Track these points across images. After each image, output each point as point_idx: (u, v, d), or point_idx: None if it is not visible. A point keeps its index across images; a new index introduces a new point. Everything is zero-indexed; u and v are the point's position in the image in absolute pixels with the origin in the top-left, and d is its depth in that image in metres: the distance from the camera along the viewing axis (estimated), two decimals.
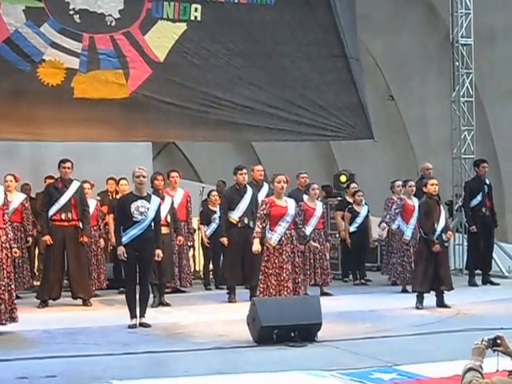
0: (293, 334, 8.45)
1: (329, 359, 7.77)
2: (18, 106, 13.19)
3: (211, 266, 14.17)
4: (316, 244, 11.82)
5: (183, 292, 13.08)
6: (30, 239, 12.75)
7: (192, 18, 14.01)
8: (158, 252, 9.85)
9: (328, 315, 9.01)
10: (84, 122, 13.49)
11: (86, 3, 13.58)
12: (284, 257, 10.26)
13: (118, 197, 13.29)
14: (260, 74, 14.35)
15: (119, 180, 13.72)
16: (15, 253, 9.77)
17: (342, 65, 14.85)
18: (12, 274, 9.51)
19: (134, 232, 9.64)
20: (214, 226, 13.79)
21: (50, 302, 11.76)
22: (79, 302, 11.86)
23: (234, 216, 12.13)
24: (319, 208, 12.82)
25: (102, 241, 13.16)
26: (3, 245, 9.29)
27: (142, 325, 9.72)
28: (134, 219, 9.64)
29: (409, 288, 12.59)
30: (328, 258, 13.05)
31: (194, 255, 14.76)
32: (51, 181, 13.38)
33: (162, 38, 13.85)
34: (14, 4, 13.32)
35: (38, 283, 12.83)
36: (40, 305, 11.65)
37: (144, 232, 9.68)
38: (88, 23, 13.61)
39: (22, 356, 8.09)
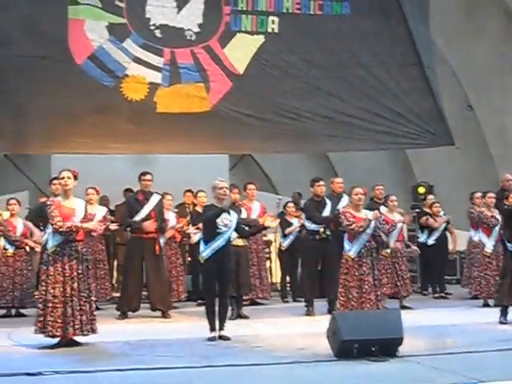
0: (373, 349, 8.35)
1: (411, 375, 7.67)
2: (102, 121, 13.40)
3: (288, 278, 14.15)
4: (414, 247, 11.72)
5: (260, 304, 13.07)
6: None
7: (269, 30, 14.08)
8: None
9: (408, 329, 8.87)
10: (166, 136, 13.64)
11: (166, 18, 13.74)
12: (364, 269, 10.21)
13: (196, 209, 13.38)
14: (338, 84, 14.33)
15: (197, 192, 13.81)
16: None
17: (418, 73, 14.74)
18: (92, 286, 9.66)
19: (216, 244, 9.69)
20: (291, 237, 13.77)
21: (130, 313, 11.89)
22: (158, 313, 11.95)
23: (314, 228, 12.09)
24: (398, 220, 12.73)
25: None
26: (83, 257, 9.44)
27: (221, 337, 9.74)
28: (219, 230, 9.68)
29: (491, 302, 12.38)
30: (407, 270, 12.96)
31: (270, 267, 14.77)
32: (130, 193, 13.61)
33: (240, 51, 13.94)
34: (98, 20, 13.54)
35: (118, 295, 13.01)
36: (120, 316, 11.79)
37: (225, 244, 9.73)
38: (169, 38, 13.78)
39: (104, 368, 8.17)
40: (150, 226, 11.77)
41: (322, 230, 12.07)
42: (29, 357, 9.01)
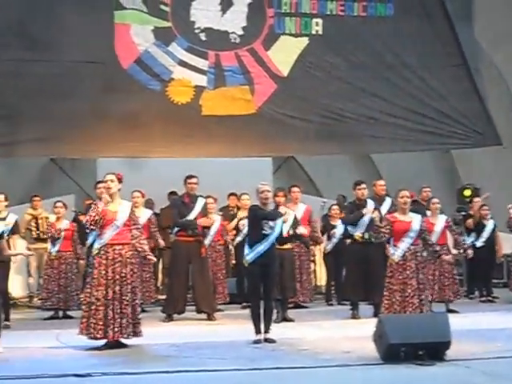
0: (421, 353, 8.28)
1: (460, 379, 7.60)
2: (147, 125, 13.49)
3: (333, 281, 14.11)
4: (448, 257, 11.61)
5: (305, 307, 13.05)
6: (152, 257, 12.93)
7: (313, 32, 14.10)
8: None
9: (455, 333, 8.77)
10: (212, 139, 13.71)
11: (210, 21, 13.83)
12: (408, 272, 10.14)
13: (239, 213, 13.43)
14: (382, 85, 14.31)
15: (241, 195, 13.83)
16: (151, 260, 9.95)
17: (463, 74, 14.68)
18: (137, 289, 9.69)
19: (261, 247, 9.67)
20: (334, 240, 13.73)
21: (175, 316, 11.93)
22: (204, 316, 11.98)
23: (357, 232, 12.04)
24: (439, 223, 12.62)
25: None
26: (128, 260, 9.48)
27: (267, 340, 9.72)
28: (264, 232, 9.68)
29: None
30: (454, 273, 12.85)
31: (315, 270, 14.73)
32: (174, 197, 13.66)
33: (285, 53, 13.99)
34: (143, 25, 13.64)
35: (163, 297, 13.08)
36: (166, 319, 11.84)
37: (270, 247, 9.72)
38: (213, 41, 13.88)
39: (152, 370, 8.19)
40: (206, 221, 11.83)
41: (358, 233, 12.00)
42: (77, 358, 9.08)
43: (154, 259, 10.42)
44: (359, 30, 14.26)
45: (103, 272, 9.36)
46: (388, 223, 10.27)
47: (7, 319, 11.02)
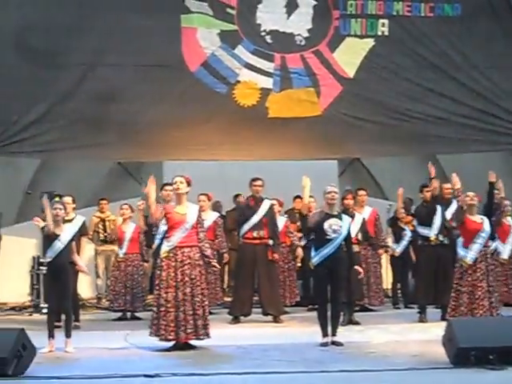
0: (491, 357, 8.16)
1: None
2: (214, 128, 13.54)
3: (399, 285, 14.01)
4: None
5: (371, 310, 12.98)
6: (226, 255, 13.01)
7: (379, 33, 13.98)
8: (359, 269, 9.84)
9: None
10: (278, 142, 13.70)
11: (276, 24, 13.81)
12: (478, 274, 10.06)
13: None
14: (450, 86, 14.12)
15: None
16: (214, 267, 10.01)
17: None
18: (205, 291, 9.76)
19: (326, 251, 9.66)
20: (404, 243, 13.62)
21: (242, 318, 11.97)
22: (270, 318, 12.00)
23: (431, 233, 11.91)
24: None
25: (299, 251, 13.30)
26: (197, 262, 9.56)
27: (334, 343, 9.72)
28: (328, 237, 9.66)
29: None
30: None
31: (380, 273, 14.61)
32: (241, 199, 13.72)
33: (350, 55, 13.89)
34: (210, 28, 13.72)
35: (229, 299, 13.13)
36: (232, 321, 11.90)
37: (336, 250, 9.68)
38: (279, 43, 13.84)
39: (220, 371, 8.26)
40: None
41: (433, 236, 11.88)
42: (145, 359, 9.21)
43: (218, 266, 10.52)
44: (426, 30, 14.10)
45: (172, 274, 9.44)
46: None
47: (77, 320, 11.20)
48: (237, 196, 14.16)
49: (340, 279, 9.80)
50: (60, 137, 13.27)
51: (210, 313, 10.92)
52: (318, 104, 13.95)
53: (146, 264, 12.84)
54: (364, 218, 12.09)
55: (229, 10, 13.87)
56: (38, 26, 13.23)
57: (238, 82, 13.82)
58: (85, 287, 13.70)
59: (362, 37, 13.93)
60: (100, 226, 14.22)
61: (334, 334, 9.78)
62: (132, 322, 12.36)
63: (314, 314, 10.40)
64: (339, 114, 13.92)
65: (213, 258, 10.01)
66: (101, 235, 14.15)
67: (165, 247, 9.59)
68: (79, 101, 13.28)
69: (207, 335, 9.61)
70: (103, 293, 14.33)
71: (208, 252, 9.77)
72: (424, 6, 14.06)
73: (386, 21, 14.01)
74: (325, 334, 9.76)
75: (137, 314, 12.60)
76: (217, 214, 13.02)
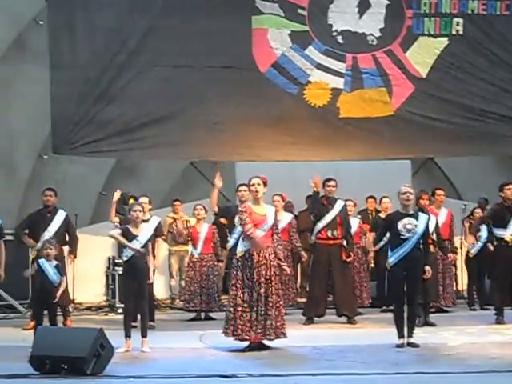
0: None
1: None
2: (286, 128, 13.61)
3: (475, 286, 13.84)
4: None
5: (446, 312, 12.84)
6: (304, 253, 12.98)
7: (453, 32, 13.88)
8: (428, 269, 9.76)
9: None
10: (349, 142, 13.70)
11: (348, 24, 13.81)
12: None
13: (380, 215, 13.35)
14: None
15: (381, 198, 13.74)
16: (285, 271, 10.03)
17: None
18: (280, 291, 9.76)
19: (402, 251, 9.59)
20: (479, 244, 13.44)
21: (316, 319, 11.94)
22: (344, 319, 11.96)
23: (507, 234, 11.72)
24: None
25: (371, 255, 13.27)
26: (271, 263, 9.57)
27: (410, 344, 9.63)
28: (402, 237, 9.59)
29: None
30: None
31: (455, 274, 14.46)
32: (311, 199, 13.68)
33: (423, 54, 13.84)
34: (280, 29, 13.74)
35: (302, 300, 13.12)
36: (306, 322, 11.89)
37: (412, 250, 9.60)
38: (350, 43, 13.86)
39: (295, 372, 8.25)
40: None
41: (509, 236, 11.68)
42: (221, 359, 9.25)
43: (288, 270, 10.55)
44: (502, 29, 13.94)
45: (248, 274, 9.46)
46: None
47: (152, 320, 11.29)
48: (309, 197, 14.10)
49: (416, 280, 9.72)
50: (134, 137, 13.47)
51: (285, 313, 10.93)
52: (390, 104, 13.94)
53: (220, 264, 12.90)
54: (437, 220, 11.94)
55: (300, 11, 13.91)
56: (110, 28, 13.43)
57: (309, 82, 13.88)
58: (159, 287, 13.81)
59: (435, 36, 13.86)
60: (174, 227, 14.33)
61: (409, 336, 9.70)
62: (206, 322, 12.42)
63: (388, 315, 10.34)
64: (412, 113, 13.88)
65: (284, 262, 10.01)
66: (175, 235, 14.24)
67: (241, 247, 9.61)
68: (151, 102, 13.47)
69: (284, 335, 9.60)
70: (177, 293, 14.45)
71: (281, 255, 9.79)
72: (500, 3, 13.92)
73: (460, 19, 13.89)
74: (401, 336, 9.68)
75: (211, 315, 12.66)
76: (291, 215, 13.03)
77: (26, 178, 15.04)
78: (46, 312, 9.87)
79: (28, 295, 12.86)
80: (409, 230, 9.63)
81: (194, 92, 13.60)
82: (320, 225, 11.95)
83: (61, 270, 10.01)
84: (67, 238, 11.98)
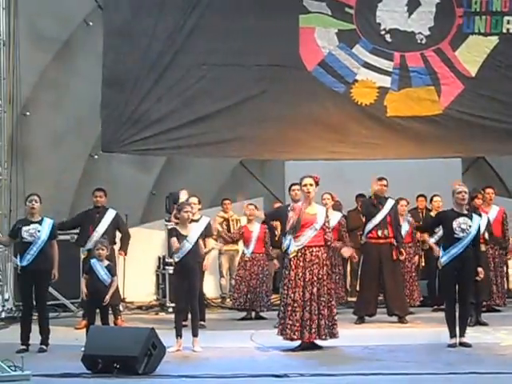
0: None
1: None
2: (333, 127, 13.58)
3: None
4: None
5: (498, 311, 12.72)
6: (354, 254, 12.92)
7: (504, 30, 13.71)
8: (480, 270, 9.70)
9: None
10: (396, 140, 13.64)
11: (396, 23, 13.72)
12: None
13: (431, 214, 13.28)
14: None
15: (432, 197, 13.67)
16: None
17: None
18: (332, 291, 9.77)
19: (455, 250, 9.54)
20: None
21: (366, 318, 11.92)
22: (394, 318, 11.91)
23: None
24: None
25: (416, 258, 13.17)
26: (324, 262, 9.58)
27: (462, 344, 9.59)
28: (456, 236, 9.54)
29: None
30: None
31: (507, 272, 14.32)
32: (362, 199, 13.66)
33: (473, 53, 13.69)
34: (328, 28, 13.73)
35: (352, 299, 13.10)
36: (357, 321, 11.87)
37: (464, 250, 9.55)
38: (398, 42, 13.76)
39: (347, 372, 8.25)
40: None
41: None
42: (272, 358, 9.28)
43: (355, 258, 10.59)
44: None
45: (300, 274, 9.48)
46: None
47: (203, 319, 11.34)
48: (359, 196, 14.11)
49: (468, 279, 9.67)
50: (181, 135, 13.55)
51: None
52: (438, 103, 13.84)
53: (275, 261, 12.92)
54: (489, 218, 11.85)
55: (347, 10, 13.87)
56: (157, 28, 13.53)
57: (356, 80, 13.83)
58: (209, 287, 13.87)
59: (485, 34, 13.71)
60: (224, 226, 14.38)
61: (461, 335, 9.65)
62: (257, 321, 12.43)
63: (440, 314, 10.29)
64: (461, 112, 13.77)
65: (344, 247, 10.04)
66: (225, 235, 14.27)
67: (293, 247, 9.63)
68: (199, 100, 13.53)
69: (334, 335, 9.60)
70: (227, 292, 14.50)
71: (338, 245, 9.81)
72: None
73: (511, 18, 13.72)
74: (453, 335, 9.64)
75: (261, 314, 12.68)
76: (340, 214, 13.00)
77: (76, 178, 15.18)
78: (97, 311, 9.99)
79: (79, 294, 12.98)
80: (463, 230, 9.57)
81: (241, 90, 13.64)
82: (370, 225, 11.95)
83: (112, 270, 10.12)
84: (118, 238, 12.09)
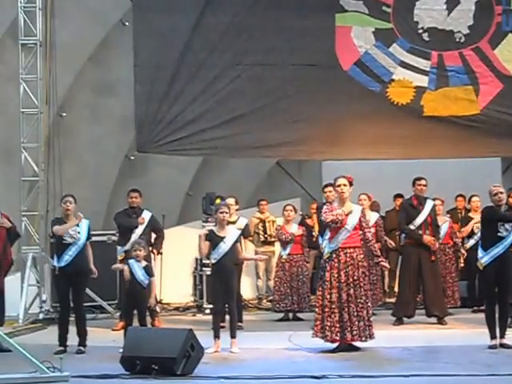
0: None
1: None
2: (369, 127, 13.50)
3: None
4: None
5: None
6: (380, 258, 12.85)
7: None
8: None
9: None
10: (433, 140, 13.55)
11: (435, 21, 13.63)
12: None
13: (470, 215, 13.14)
14: None
15: (470, 197, 13.54)
16: (384, 267, 10.09)
17: None
18: (369, 292, 9.71)
19: (497, 250, 9.42)
20: None
21: (405, 319, 11.82)
22: (434, 320, 11.80)
23: None
24: None
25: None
26: (360, 263, 9.51)
27: (502, 345, 9.47)
28: (499, 234, 9.42)
29: None
30: None
31: None
32: (400, 199, 13.57)
33: None
34: (364, 26, 13.65)
35: (390, 300, 13.00)
36: (396, 322, 11.77)
37: (506, 250, 9.42)
38: (436, 41, 13.67)
39: (387, 373, 8.19)
40: (430, 241, 11.67)
41: None
42: (310, 360, 9.24)
43: (388, 266, 10.50)
44: None
45: (336, 275, 9.43)
46: None
47: (240, 321, 11.31)
48: (397, 196, 14.01)
49: (508, 280, 9.53)
50: (216, 135, 13.55)
51: (372, 314, 10.84)
52: (476, 102, 13.74)
53: (307, 265, 12.87)
54: None
55: (384, 8, 13.79)
56: (191, 27, 13.52)
57: (393, 80, 13.76)
58: (246, 288, 13.82)
59: None
60: (260, 227, 14.31)
61: (502, 336, 9.54)
62: (294, 322, 12.37)
63: (479, 315, 10.17)
64: (500, 112, 13.65)
65: (382, 257, 9.96)
66: (261, 236, 14.24)
67: (327, 249, 9.58)
68: (234, 100, 13.53)
69: (370, 337, 9.54)
70: (264, 294, 14.45)
71: (377, 252, 9.74)
72: None
73: None
74: (493, 336, 9.52)
75: (299, 315, 12.62)
76: (377, 215, 12.90)
77: (113, 179, 15.23)
78: (135, 312, 9.99)
79: (116, 296, 13.02)
80: (506, 230, 9.46)
81: (276, 90, 13.61)
82: (412, 227, 11.83)
83: (149, 271, 10.11)
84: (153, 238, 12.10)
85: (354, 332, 9.38)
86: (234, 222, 11.21)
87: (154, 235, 12.11)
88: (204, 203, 13.78)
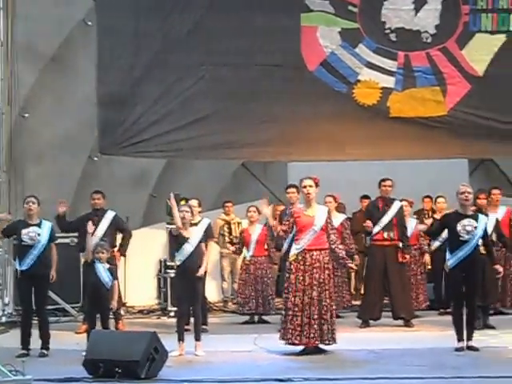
0: None
1: None
2: (335, 128, 13.40)
3: None
4: None
5: (506, 314, 12.55)
6: (356, 257, 12.77)
7: (511, 28, 13.51)
8: (498, 267, 9.69)
9: None
10: (399, 141, 13.45)
11: (402, 21, 13.51)
12: None
13: (435, 216, 13.12)
14: None
15: (436, 198, 13.51)
16: (351, 268, 10.01)
17: None
18: (334, 295, 9.68)
19: (462, 253, 9.39)
20: None
21: (371, 322, 11.76)
22: (400, 322, 11.76)
23: None
24: None
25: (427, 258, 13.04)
26: (326, 265, 9.44)
27: (469, 348, 9.47)
28: (461, 238, 9.38)
29: None
30: None
31: None
32: (366, 200, 13.52)
33: (480, 52, 13.45)
34: (330, 26, 13.57)
35: (357, 303, 12.93)
36: (362, 325, 11.72)
37: (472, 252, 9.38)
38: (403, 41, 13.54)
39: (352, 376, 8.14)
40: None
41: None
42: (275, 363, 9.17)
43: (355, 267, 10.43)
44: None
45: (300, 278, 9.35)
46: None
47: (205, 323, 11.19)
48: (363, 197, 13.96)
49: (475, 282, 9.55)
50: (181, 137, 13.39)
51: (338, 316, 10.80)
52: (443, 103, 13.61)
53: (275, 266, 12.76)
54: (497, 219, 11.68)
55: (351, 8, 13.67)
56: (155, 28, 13.39)
57: (359, 81, 13.62)
58: (211, 290, 13.71)
59: (492, 32, 13.46)
60: (225, 229, 14.23)
61: (469, 339, 9.52)
62: (260, 325, 12.30)
63: (446, 317, 10.15)
64: (467, 113, 13.55)
65: (348, 259, 9.88)
66: (226, 238, 14.14)
67: (293, 250, 9.49)
68: (198, 101, 13.37)
69: (334, 340, 9.46)
70: (229, 296, 14.35)
71: (343, 253, 9.65)
72: None
73: None
74: (460, 339, 9.51)
75: (264, 318, 12.52)
76: (343, 216, 12.84)
77: (76, 181, 15.03)
78: (98, 315, 9.84)
79: (79, 299, 12.87)
80: (468, 232, 9.43)
81: (241, 91, 13.45)
82: (377, 228, 11.79)
83: (113, 273, 9.98)
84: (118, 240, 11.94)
85: (312, 335, 9.32)
86: (196, 224, 11.08)
87: (120, 235, 11.98)
88: (168, 205, 13.62)
